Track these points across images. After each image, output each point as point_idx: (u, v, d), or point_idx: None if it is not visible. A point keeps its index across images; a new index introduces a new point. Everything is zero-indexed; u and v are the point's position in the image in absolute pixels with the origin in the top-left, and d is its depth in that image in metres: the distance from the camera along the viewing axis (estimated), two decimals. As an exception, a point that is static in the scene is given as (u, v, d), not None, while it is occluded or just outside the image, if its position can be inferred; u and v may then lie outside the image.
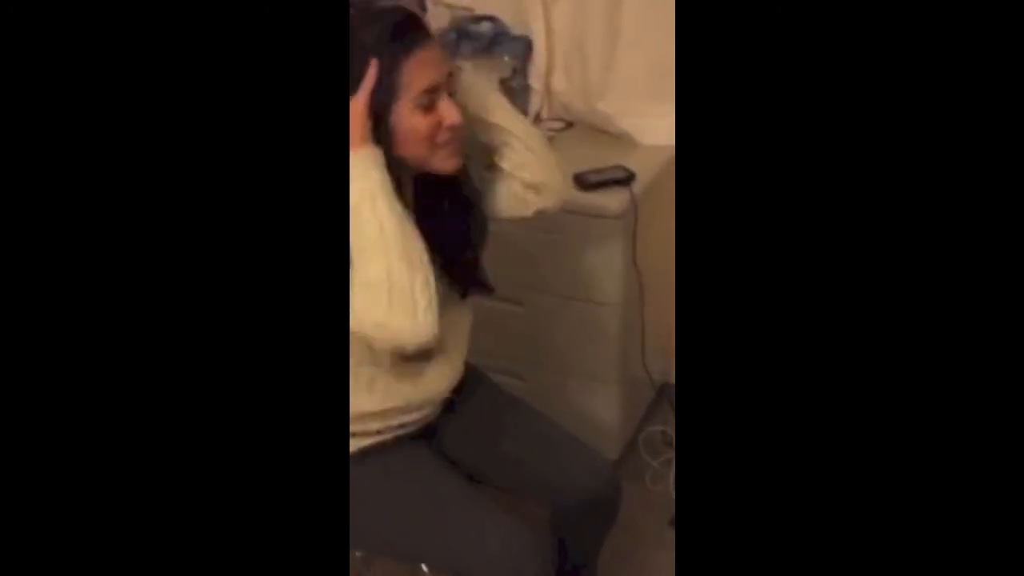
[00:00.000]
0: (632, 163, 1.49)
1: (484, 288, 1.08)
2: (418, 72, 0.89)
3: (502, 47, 1.69)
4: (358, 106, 0.87)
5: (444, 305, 0.98)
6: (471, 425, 1.12)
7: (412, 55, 0.88)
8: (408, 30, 0.89)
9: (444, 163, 0.94)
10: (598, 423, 1.62)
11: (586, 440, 1.15)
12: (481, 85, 1.02)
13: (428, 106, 0.90)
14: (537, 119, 1.76)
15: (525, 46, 1.71)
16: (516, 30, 1.71)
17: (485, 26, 1.70)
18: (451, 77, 0.93)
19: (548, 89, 1.75)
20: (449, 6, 1.74)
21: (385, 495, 1.01)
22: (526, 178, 1.05)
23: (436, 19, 1.68)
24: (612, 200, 1.42)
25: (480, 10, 1.73)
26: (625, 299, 1.50)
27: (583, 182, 1.43)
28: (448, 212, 0.99)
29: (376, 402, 1.01)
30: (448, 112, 0.91)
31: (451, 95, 0.93)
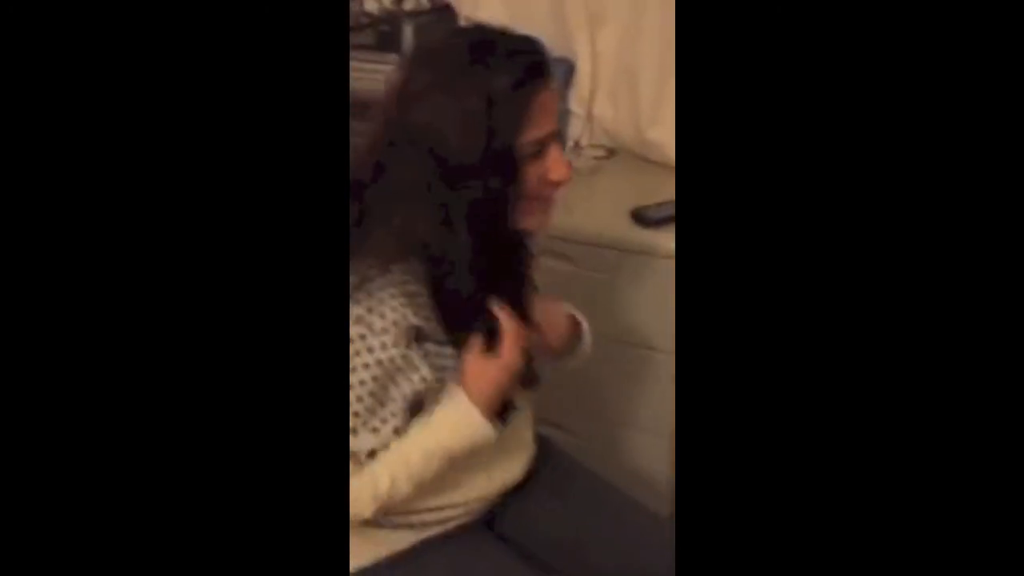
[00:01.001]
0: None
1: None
2: (535, 119, 0.76)
3: (541, 70, 1.58)
4: (502, 373, 0.79)
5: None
6: (535, 504, 0.99)
7: (534, 100, 0.75)
8: (538, 72, 0.76)
9: (533, 220, 0.82)
10: (647, 477, 1.49)
11: (635, 495, 1.03)
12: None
13: (535, 155, 0.77)
14: (576, 146, 1.65)
15: (567, 69, 1.59)
16: (557, 52, 1.59)
17: (523, 47, 1.59)
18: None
19: (590, 115, 1.63)
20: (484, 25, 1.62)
21: None
22: None
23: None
24: (672, 238, 1.29)
25: (518, 29, 1.61)
26: (683, 345, 1.37)
27: (643, 219, 1.30)
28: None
29: (444, 497, 0.89)
30: (557, 166, 0.79)
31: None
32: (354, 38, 1.47)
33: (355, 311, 0.75)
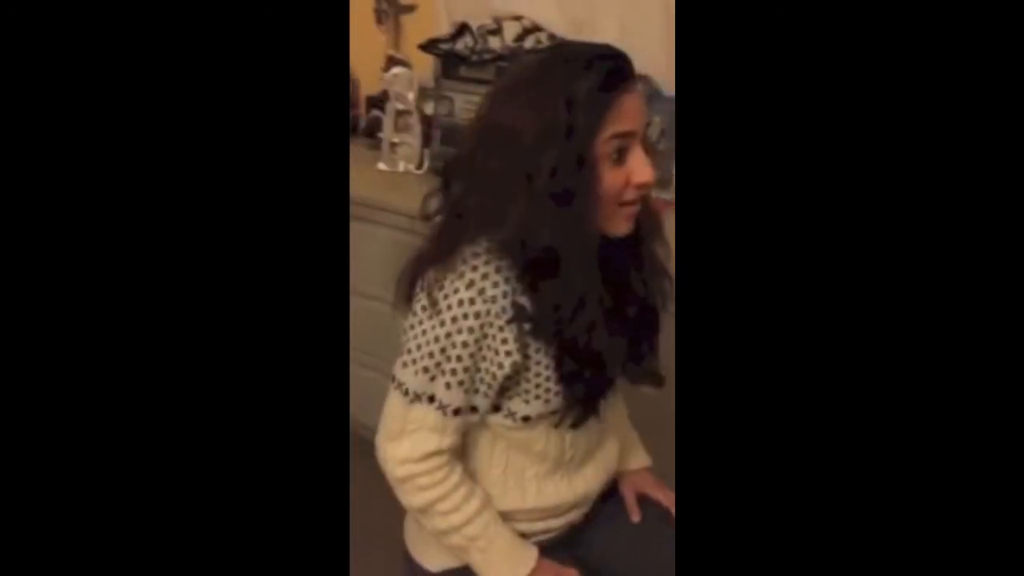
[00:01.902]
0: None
1: (652, 378, 0.94)
2: (615, 118, 0.78)
3: (651, 108, 1.61)
4: None
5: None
6: (613, 527, 1.02)
7: (615, 101, 0.78)
8: (618, 77, 0.79)
9: (619, 225, 0.84)
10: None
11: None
12: None
13: (618, 157, 0.80)
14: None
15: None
16: (670, 90, 1.63)
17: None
18: (647, 128, 0.83)
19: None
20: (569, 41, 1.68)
21: None
22: None
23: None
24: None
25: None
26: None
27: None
28: (628, 282, 0.89)
29: (527, 500, 0.92)
30: (639, 167, 0.81)
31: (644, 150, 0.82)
32: (475, 73, 1.57)
33: (467, 277, 0.79)
